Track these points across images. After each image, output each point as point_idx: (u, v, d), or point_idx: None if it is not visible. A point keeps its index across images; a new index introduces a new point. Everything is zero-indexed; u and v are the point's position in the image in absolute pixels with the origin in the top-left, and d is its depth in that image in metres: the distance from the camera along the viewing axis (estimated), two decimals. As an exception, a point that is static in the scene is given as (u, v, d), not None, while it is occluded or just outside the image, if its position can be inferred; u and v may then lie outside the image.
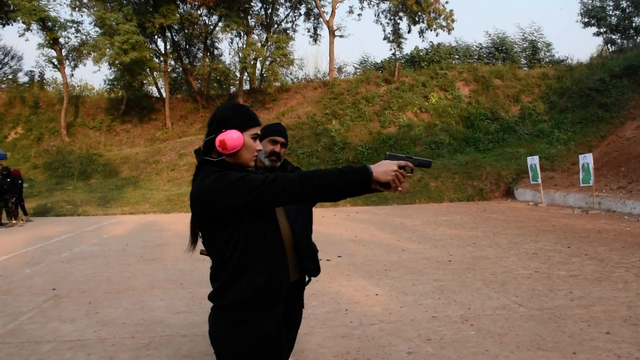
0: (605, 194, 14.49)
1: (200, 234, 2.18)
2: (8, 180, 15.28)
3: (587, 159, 14.53)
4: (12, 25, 28.95)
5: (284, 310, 2.29)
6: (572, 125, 22.40)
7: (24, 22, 26.32)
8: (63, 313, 5.66)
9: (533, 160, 16.95)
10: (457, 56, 30.44)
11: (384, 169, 2.04)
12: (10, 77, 34.44)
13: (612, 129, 19.96)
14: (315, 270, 3.00)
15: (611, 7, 29.53)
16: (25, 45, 59.32)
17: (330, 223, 13.40)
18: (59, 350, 4.50)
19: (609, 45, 30.42)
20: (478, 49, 31.08)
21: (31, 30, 27.34)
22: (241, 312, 2.09)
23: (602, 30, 30.03)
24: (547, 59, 30.45)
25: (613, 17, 29.51)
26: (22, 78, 34.40)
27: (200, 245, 2.25)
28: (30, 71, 34.45)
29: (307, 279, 3.05)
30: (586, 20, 29.98)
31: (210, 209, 2.03)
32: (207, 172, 2.09)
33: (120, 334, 4.91)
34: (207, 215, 2.06)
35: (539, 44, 30.51)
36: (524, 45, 30.70)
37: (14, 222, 15.40)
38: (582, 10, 29.96)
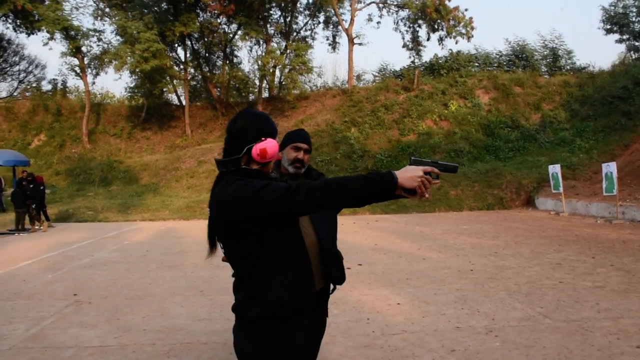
0: (629, 204, 14.23)
1: (221, 244, 2.14)
2: (31, 186, 15.49)
3: (610, 168, 14.29)
4: (36, 34, 29.49)
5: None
6: (595, 133, 22.09)
7: (48, 32, 26.77)
8: (84, 319, 5.68)
9: (554, 169, 16.72)
10: (476, 64, 30.27)
11: (409, 174, 1.98)
12: (34, 85, 34.99)
13: (635, 137, 19.63)
14: (340, 278, 2.96)
15: (634, 14, 29.14)
16: (48, 54, 60.37)
17: (350, 231, 13.33)
18: (80, 357, 4.50)
19: (631, 52, 30.01)
20: (498, 56, 30.88)
21: (55, 40, 27.82)
22: (267, 325, 2.05)
23: (624, 37, 29.63)
24: (568, 67, 30.13)
25: (636, 24, 29.12)
26: (46, 86, 35.01)
27: (220, 252, 2.22)
28: (54, 79, 34.99)
29: (332, 287, 3.01)
30: (608, 27, 29.63)
31: (232, 219, 1.99)
32: (228, 180, 2.05)
33: (141, 340, 4.90)
34: (228, 225, 2.02)
35: (560, 51, 30.22)
36: (545, 52, 30.43)
37: (36, 227, 15.58)
38: (604, 17, 29.63)
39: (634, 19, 29.13)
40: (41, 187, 16.00)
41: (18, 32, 30.65)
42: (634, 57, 29.47)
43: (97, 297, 6.70)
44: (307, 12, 33.46)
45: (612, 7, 29.42)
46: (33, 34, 29.47)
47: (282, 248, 2.06)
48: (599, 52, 53.84)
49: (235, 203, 1.96)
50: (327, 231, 2.87)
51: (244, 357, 2.11)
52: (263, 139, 2.10)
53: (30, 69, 34.37)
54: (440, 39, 31.83)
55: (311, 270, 2.22)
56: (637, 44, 29.63)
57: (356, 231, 13.36)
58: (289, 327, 2.07)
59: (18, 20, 29.37)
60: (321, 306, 2.97)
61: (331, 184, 1.96)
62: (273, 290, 2.03)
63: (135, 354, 4.54)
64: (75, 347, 4.74)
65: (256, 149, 2.08)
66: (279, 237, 2.05)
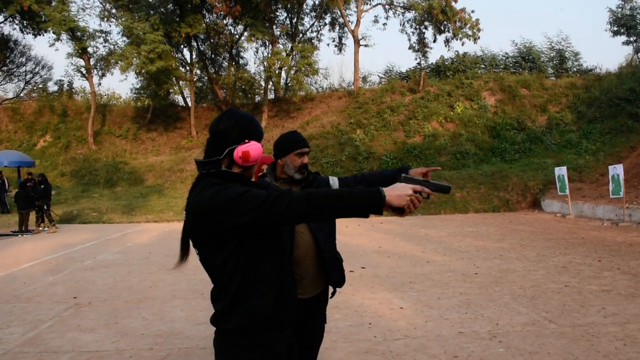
0: (636, 206, 14.08)
1: (196, 251, 2.04)
2: (42, 186, 15.52)
3: (617, 170, 14.14)
4: (43, 35, 29.56)
5: (303, 327, 2.19)
6: (601, 135, 21.92)
7: (54, 33, 26.84)
8: (83, 322, 5.63)
9: (561, 171, 16.58)
10: (483, 65, 30.14)
11: (398, 192, 1.91)
12: (40, 86, 35.10)
13: (643, 140, 19.46)
14: (340, 281, 2.89)
15: (641, 16, 28.95)
16: (55, 55, 60.56)
17: (354, 233, 13.25)
18: (77, 361, 4.45)
19: (638, 54, 29.81)
20: (504, 58, 30.74)
21: (61, 40, 27.90)
22: (248, 336, 1.96)
23: (631, 39, 29.43)
24: (574, 69, 29.98)
25: (643, 26, 28.93)
26: (52, 87, 35.11)
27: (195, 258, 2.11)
28: (60, 80, 35.08)
29: (331, 290, 2.94)
30: (615, 29, 29.43)
31: (207, 225, 1.90)
32: (206, 184, 1.96)
33: (138, 345, 4.84)
34: (203, 232, 1.93)
35: (567, 53, 30.07)
36: (551, 54, 30.28)
37: (40, 229, 15.58)
38: (611, 19, 29.44)
39: (641, 20, 28.94)
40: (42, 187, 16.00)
41: (25, 33, 30.80)
42: (641, 58, 29.28)
43: (97, 300, 6.65)
44: (313, 13, 33.43)
45: (619, 9, 29.24)
46: (39, 35, 29.56)
47: (261, 257, 1.96)
48: (606, 54, 53.61)
49: (211, 209, 1.87)
50: (326, 233, 2.81)
51: None
52: (247, 141, 2.00)
53: (36, 70, 34.49)
54: (447, 41, 31.71)
55: (293, 279, 2.15)
56: (644, 45, 29.44)
57: (361, 233, 13.27)
58: (270, 339, 1.98)
59: (25, 21, 29.49)
60: (318, 312, 2.89)
61: (314, 195, 1.87)
62: (252, 300, 1.94)
63: (132, 359, 4.47)
64: (72, 352, 4.68)
65: (238, 151, 1.99)
66: (257, 245, 1.95)
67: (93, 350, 4.71)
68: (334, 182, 2.98)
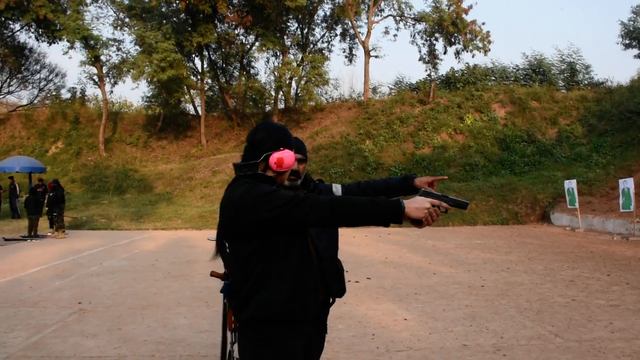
0: (648, 221, 13.93)
1: (226, 245, 2.17)
2: (52, 194, 15.66)
3: (627, 184, 14.03)
4: (57, 43, 29.93)
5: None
6: (612, 148, 21.78)
7: (68, 41, 27.13)
8: (86, 328, 5.63)
9: (570, 184, 16.47)
10: (493, 77, 30.09)
11: (417, 205, 2.02)
12: (53, 93, 35.44)
13: (654, 154, 19.30)
14: (340, 291, 2.85)
15: (653, 29, 28.83)
16: (68, 62, 61.20)
17: (362, 244, 13.21)
18: (79, 367, 4.45)
19: (651, 67, 29.64)
20: (515, 70, 30.68)
21: (75, 49, 28.19)
22: (262, 330, 2.05)
23: (644, 52, 29.31)
24: (585, 81, 29.85)
25: (655, 40, 28.80)
26: (65, 94, 35.42)
27: (213, 266, 2.19)
28: (73, 88, 35.38)
29: (331, 300, 2.91)
30: (627, 42, 29.31)
31: (237, 220, 2.04)
32: (239, 183, 2.12)
33: (140, 351, 4.84)
34: (233, 226, 2.07)
35: (578, 65, 29.96)
36: (562, 67, 30.18)
37: (49, 234, 15.69)
38: (622, 32, 29.33)
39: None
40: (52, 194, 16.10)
41: (40, 41, 31.19)
42: (653, 72, 29.10)
43: (102, 306, 6.66)
44: (324, 24, 33.59)
45: (631, 22, 29.13)
46: (54, 43, 29.93)
47: (283, 254, 2.08)
48: (618, 67, 53.35)
49: (241, 205, 2.02)
50: (326, 242, 2.78)
51: None
52: (282, 149, 2.18)
53: (50, 77, 34.88)
54: (457, 53, 31.68)
55: (313, 281, 2.21)
56: (656, 59, 29.28)
57: (368, 244, 13.23)
58: (287, 334, 2.07)
59: (40, 30, 29.87)
60: (320, 322, 2.87)
61: (338, 201, 2.01)
62: (268, 293, 2.04)
63: (133, 365, 4.47)
64: (74, 357, 4.68)
65: (274, 157, 2.16)
66: (281, 243, 2.08)
67: (95, 356, 4.71)
68: (336, 189, 2.96)
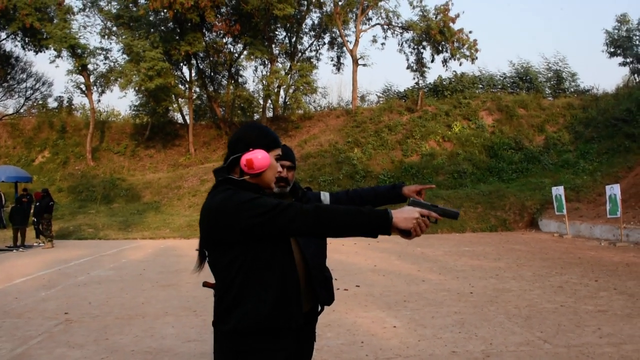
0: (634, 226, 14.05)
1: (206, 253, 2.10)
2: (37, 204, 15.52)
3: (614, 190, 14.15)
4: (44, 52, 29.75)
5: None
6: (598, 155, 21.99)
7: (55, 49, 27.03)
8: (72, 338, 5.56)
9: (558, 191, 16.59)
10: (480, 85, 30.31)
11: (405, 215, 1.96)
12: (40, 102, 35.15)
13: (639, 160, 19.50)
14: (328, 299, 2.83)
15: (637, 37, 29.20)
16: (55, 71, 60.83)
17: (350, 252, 13.19)
18: (64, 378, 4.38)
19: (635, 75, 30.02)
20: (502, 78, 30.92)
21: (61, 57, 28.08)
22: (245, 342, 1.97)
23: (628, 60, 29.66)
24: (572, 89, 30.15)
25: (639, 47, 29.15)
26: (52, 103, 35.13)
27: (203, 276, 2.14)
28: (60, 97, 35.12)
29: (319, 308, 2.88)
30: (612, 50, 29.67)
31: (217, 227, 1.96)
32: (221, 189, 2.03)
33: (127, 361, 4.78)
34: (213, 233, 1.99)
35: (564, 73, 30.25)
36: (549, 75, 30.47)
37: (34, 243, 15.55)
38: (607, 40, 29.68)
39: (637, 42, 29.18)
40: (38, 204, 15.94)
41: (26, 49, 30.94)
42: (637, 80, 29.47)
43: (88, 316, 6.58)
44: (312, 33, 33.72)
45: (615, 31, 29.50)
46: (41, 51, 29.73)
47: (266, 263, 2.00)
48: (603, 75, 53.99)
49: (221, 211, 1.93)
50: (314, 249, 2.75)
51: None
52: (251, 149, 2.07)
53: (37, 86, 34.55)
54: (445, 61, 31.90)
55: (298, 292, 2.14)
56: (640, 67, 29.64)
57: (357, 252, 13.22)
58: (268, 346, 1.99)
59: (26, 38, 29.66)
60: (308, 330, 2.84)
61: (322, 210, 1.92)
62: (251, 304, 1.97)
63: (120, 376, 4.41)
64: (60, 368, 4.61)
65: (243, 159, 2.06)
66: (264, 252, 1.99)
67: (81, 367, 4.64)
68: (325, 197, 2.95)
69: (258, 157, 2.05)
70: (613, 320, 5.95)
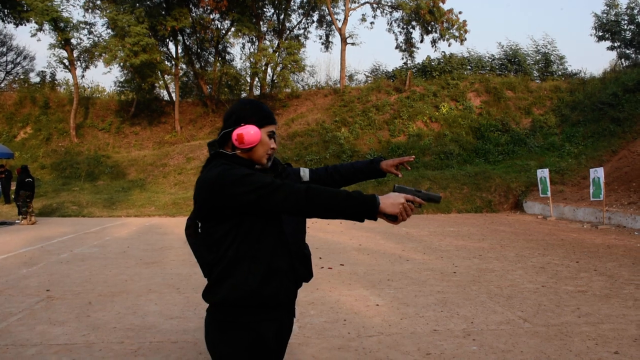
0: (616, 209, 14.22)
1: (199, 225, 2.13)
2: (28, 180, 15.34)
3: (597, 173, 14.27)
4: (25, 25, 29.17)
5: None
6: (584, 139, 22.13)
7: (36, 22, 26.41)
8: (54, 315, 5.52)
9: (543, 173, 16.70)
10: (469, 67, 30.25)
11: (391, 201, 2.00)
12: (21, 77, 34.58)
13: (624, 144, 19.67)
14: (307, 276, 2.82)
15: (626, 22, 29.23)
16: (37, 45, 59.64)
17: (336, 231, 13.22)
18: (44, 354, 4.35)
19: (622, 59, 30.11)
20: (490, 60, 30.87)
21: (43, 31, 27.45)
22: (233, 313, 2.00)
23: (616, 44, 29.72)
24: (559, 72, 30.20)
25: (627, 32, 29.20)
26: (34, 78, 34.59)
27: (187, 253, 2.12)
28: (42, 71, 34.56)
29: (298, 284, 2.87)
30: (600, 34, 29.70)
31: (212, 200, 1.98)
32: (216, 164, 2.07)
33: (109, 338, 4.75)
34: (207, 207, 2.01)
35: (552, 56, 30.26)
36: (537, 57, 30.46)
37: (16, 220, 15.39)
38: (596, 24, 29.70)
39: (625, 26, 29.22)
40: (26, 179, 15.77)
41: (6, 22, 30.31)
42: (624, 64, 29.57)
43: (70, 293, 6.53)
44: (300, 10, 33.39)
45: (604, 15, 29.51)
46: (21, 24, 29.16)
47: (257, 237, 2.04)
48: (591, 58, 54.13)
49: (216, 186, 1.96)
50: (294, 225, 2.74)
51: (213, 348, 2.06)
52: (242, 124, 2.11)
53: (18, 60, 34.02)
54: (434, 41, 31.82)
55: (287, 265, 2.16)
56: (628, 51, 29.72)
57: (342, 231, 13.25)
58: (258, 317, 2.02)
59: (6, 10, 29.01)
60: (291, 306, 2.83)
61: (313, 190, 1.95)
62: (240, 276, 2.00)
63: (101, 353, 4.39)
64: (40, 345, 4.58)
65: (234, 134, 2.10)
66: (255, 226, 2.03)
67: (62, 344, 4.61)
68: (304, 173, 2.92)
69: (250, 133, 2.09)
70: (592, 300, 6.02)
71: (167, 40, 30.68)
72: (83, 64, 30.42)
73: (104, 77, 70.49)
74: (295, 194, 1.93)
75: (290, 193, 1.93)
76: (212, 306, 2.06)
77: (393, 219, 2.03)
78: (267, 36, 32.41)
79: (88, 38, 30.28)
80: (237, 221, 1.99)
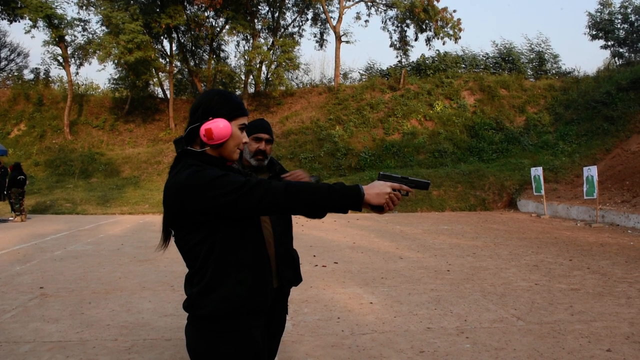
0: (609, 208, 14.29)
1: (172, 232, 1.99)
2: (20, 177, 15.28)
3: (591, 172, 14.33)
4: (19, 22, 29.01)
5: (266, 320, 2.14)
6: (577, 137, 22.22)
7: (30, 19, 26.30)
8: (47, 312, 5.51)
9: (537, 172, 16.76)
10: (463, 65, 30.30)
11: (376, 190, 1.89)
12: (15, 73, 34.41)
13: (617, 142, 19.77)
14: (295, 279, 2.81)
15: (619, 21, 29.38)
16: (31, 42, 59.43)
17: (330, 229, 13.23)
18: (37, 352, 4.34)
19: (616, 58, 30.26)
20: (484, 58, 30.94)
21: (37, 28, 27.32)
22: (222, 323, 1.91)
23: (609, 43, 29.87)
24: (553, 71, 30.31)
25: (621, 31, 29.36)
26: (28, 75, 34.43)
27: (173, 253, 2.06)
28: (36, 68, 34.37)
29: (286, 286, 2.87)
30: (594, 33, 29.83)
31: (182, 207, 1.84)
32: (184, 165, 1.91)
33: (103, 336, 4.75)
34: (179, 212, 1.86)
35: (546, 55, 30.37)
36: (531, 56, 30.57)
37: (10, 218, 15.32)
38: (590, 23, 29.83)
39: (619, 25, 29.36)
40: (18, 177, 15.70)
41: (0, 18, 30.13)
42: (618, 63, 29.71)
43: (64, 291, 6.52)
44: (295, 8, 33.31)
45: (598, 14, 29.64)
46: (15, 21, 28.98)
47: (239, 242, 1.92)
48: (585, 57, 54.34)
49: (187, 190, 1.81)
50: (281, 230, 2.74)
51: (198, 358, 1.95)
52: (210, 118, 1.93)
53: (12, 57, 33.83)
54: (428, 40, 31.86)
55: (270, 268, 2.09)
56: (621, 50, 29.87)
57: (336, 229, 13.26)
58: (245, 326, 1.94)
59: (0, 7, 28.84)
60: (280, 305, 2.84)
61: (293, 188, 1.83)
62: (229, 286, 1.89)
63: (94, 350, 4.38)
64: (34, 342, 4.57)
65: (202, 129, 1.92)
66: (233, 230, 1.90)
67: (55, 341, 4.60)
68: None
69: (220, 127, 1.91)
70: (585, 298, 6.06)
71: (162, 37, 30.59)
72: (77, 61, 30.28)
73: (98, 75, 70.27)
74: (272, 192, 1.81)
75: (267, 191, 1.81)
76: (199, 319, 1.93)
77: (379, 209, 1.92)
78: (261, 34, 32.37)
79: (82, 35, 30.06)
80: (212, 227, 1.86)
